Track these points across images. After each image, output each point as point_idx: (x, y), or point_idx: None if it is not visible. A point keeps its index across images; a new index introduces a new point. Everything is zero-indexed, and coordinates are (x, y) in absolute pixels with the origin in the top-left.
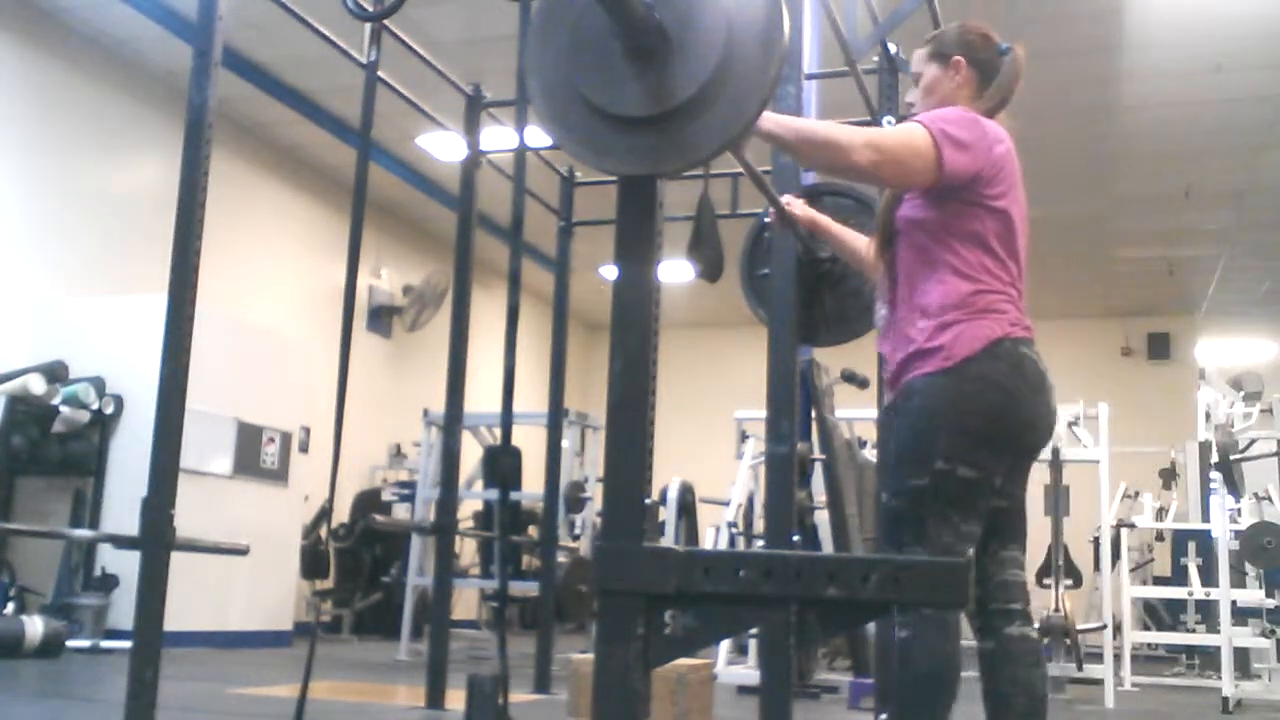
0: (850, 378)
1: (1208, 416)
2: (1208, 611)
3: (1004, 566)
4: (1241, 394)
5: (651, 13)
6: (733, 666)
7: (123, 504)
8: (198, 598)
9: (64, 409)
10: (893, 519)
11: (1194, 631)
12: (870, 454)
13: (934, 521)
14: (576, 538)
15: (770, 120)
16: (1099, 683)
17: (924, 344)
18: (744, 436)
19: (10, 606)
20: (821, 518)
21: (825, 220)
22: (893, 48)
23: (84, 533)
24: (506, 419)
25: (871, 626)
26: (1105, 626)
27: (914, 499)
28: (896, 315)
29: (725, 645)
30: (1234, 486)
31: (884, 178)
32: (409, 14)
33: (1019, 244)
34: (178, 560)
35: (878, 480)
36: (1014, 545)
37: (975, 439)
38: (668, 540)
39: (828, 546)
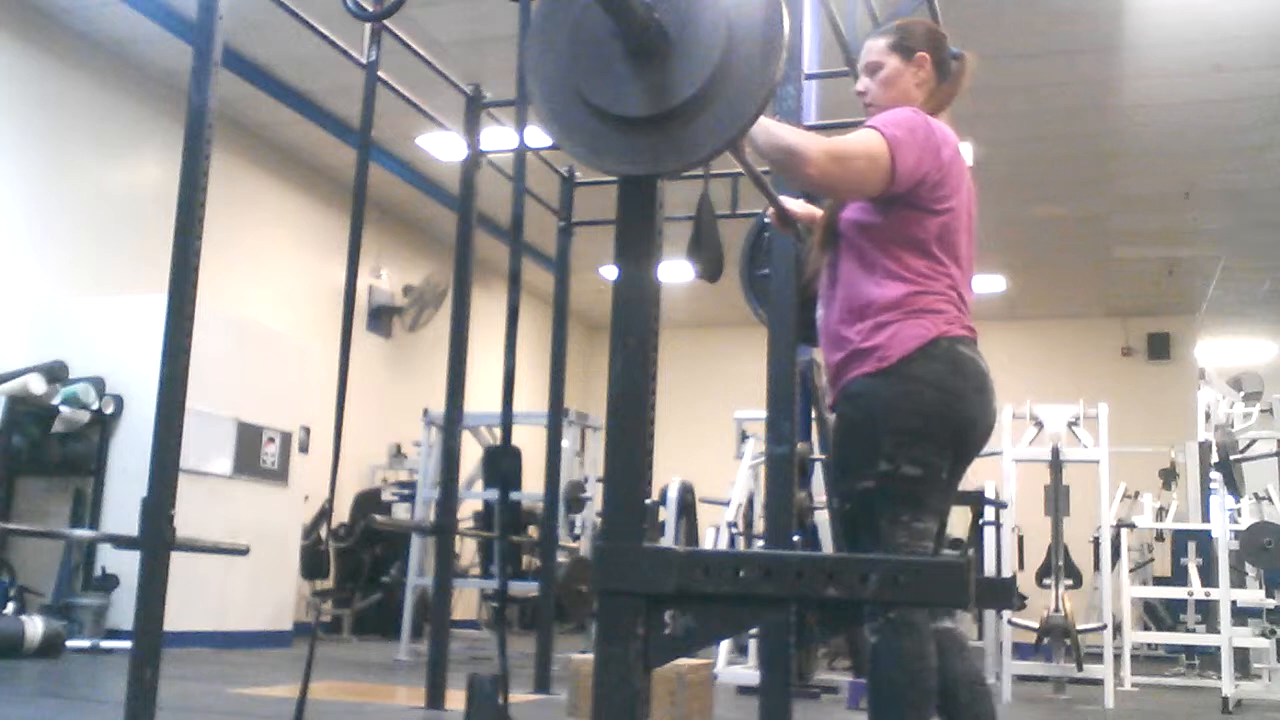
0: None
1: (1208, 416)
2: (1208, 611)
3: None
4: (1241, 394)
5: (651, 13)
6: (733, 666)
7: (123, 504)
8: (198, 598)
9: (64, 409)
10: (847, 523)
11: (1194, 631)
12: None
13: (886, 523)
14: (576, 538)
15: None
16: (1099, 683)
17: (860, 344)
18: (744, 436)
19: (10, 606)
20: (821, 518)
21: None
22: None
23: (84, 533)
24: (506, 419)
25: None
26: (1105, 626)
27: (864, 502)
28: (833, 317)
29: (725, 645)
30: (1234, 486)
31: (837, 191)
32: (409, 14)
33: (961, 245)
34: (178, 560)
35: (827, 484)
36: (942, 544)
37: (915, 436)
38: (668, 540)
39: (828, 546)
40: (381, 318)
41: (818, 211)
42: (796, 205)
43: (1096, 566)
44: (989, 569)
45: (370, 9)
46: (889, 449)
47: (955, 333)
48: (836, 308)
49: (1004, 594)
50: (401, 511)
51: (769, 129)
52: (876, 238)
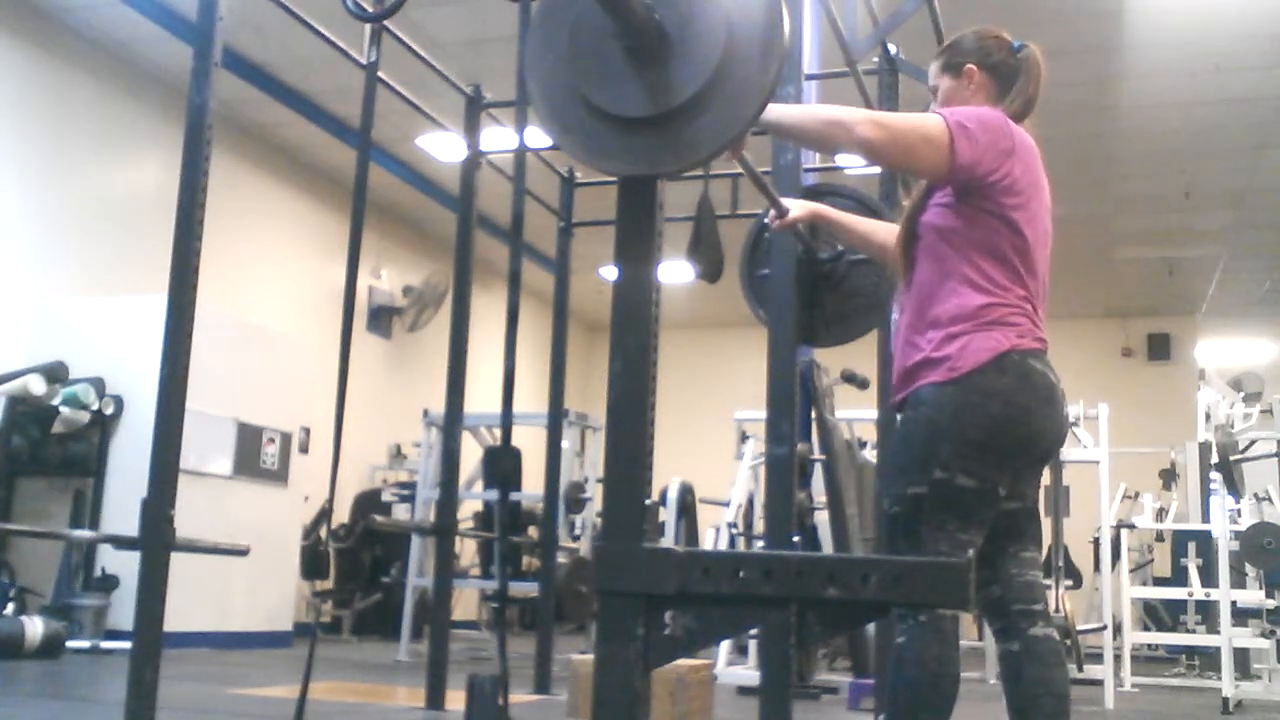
0: (850, 378)
1: (1208, 417)
2: (1208, 612)
3: (1024, 567)
4: (1241, 394)
5: (651, 13)
6: (733, 667)
7: (123, 504)
8: (198, 598)
9: (64, 409)
10: (891, 525)
11: (1194, 632)
12: (870, 454)
13: (929, 530)
14: (576, 538)
15: (772, 109)
16: (1099, 683)
17: (931, 353)
18: (744, 437)
19: (10, 607)
20: (821, 518)
21: (828, 210)
22: (893, 48)
23: (84, 533)
24: (506, 419)
25: (872, 627)
26: (1105, 627)
27: (912, 506)
28: (907, 321)
29: (725, 645)
30: (1234, 487)
31: (886, 157)
32: (409, 14)
33: (1039, 260)
34: (178, 561)
35: (879, 486)
36: (1031, 546)
37: (977, 449)
38: (668, 541)
39: (828, 547)
40: (381, 318)
41: (820, 209)
42: (797, 206)
43: (1096, 567)
44: None
45: (370, 9)
46: (947, 458)
47: (1027, 345)
48: (910, 312)
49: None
50: (401, 512)
51: (809, 108)
52: (955, 242)
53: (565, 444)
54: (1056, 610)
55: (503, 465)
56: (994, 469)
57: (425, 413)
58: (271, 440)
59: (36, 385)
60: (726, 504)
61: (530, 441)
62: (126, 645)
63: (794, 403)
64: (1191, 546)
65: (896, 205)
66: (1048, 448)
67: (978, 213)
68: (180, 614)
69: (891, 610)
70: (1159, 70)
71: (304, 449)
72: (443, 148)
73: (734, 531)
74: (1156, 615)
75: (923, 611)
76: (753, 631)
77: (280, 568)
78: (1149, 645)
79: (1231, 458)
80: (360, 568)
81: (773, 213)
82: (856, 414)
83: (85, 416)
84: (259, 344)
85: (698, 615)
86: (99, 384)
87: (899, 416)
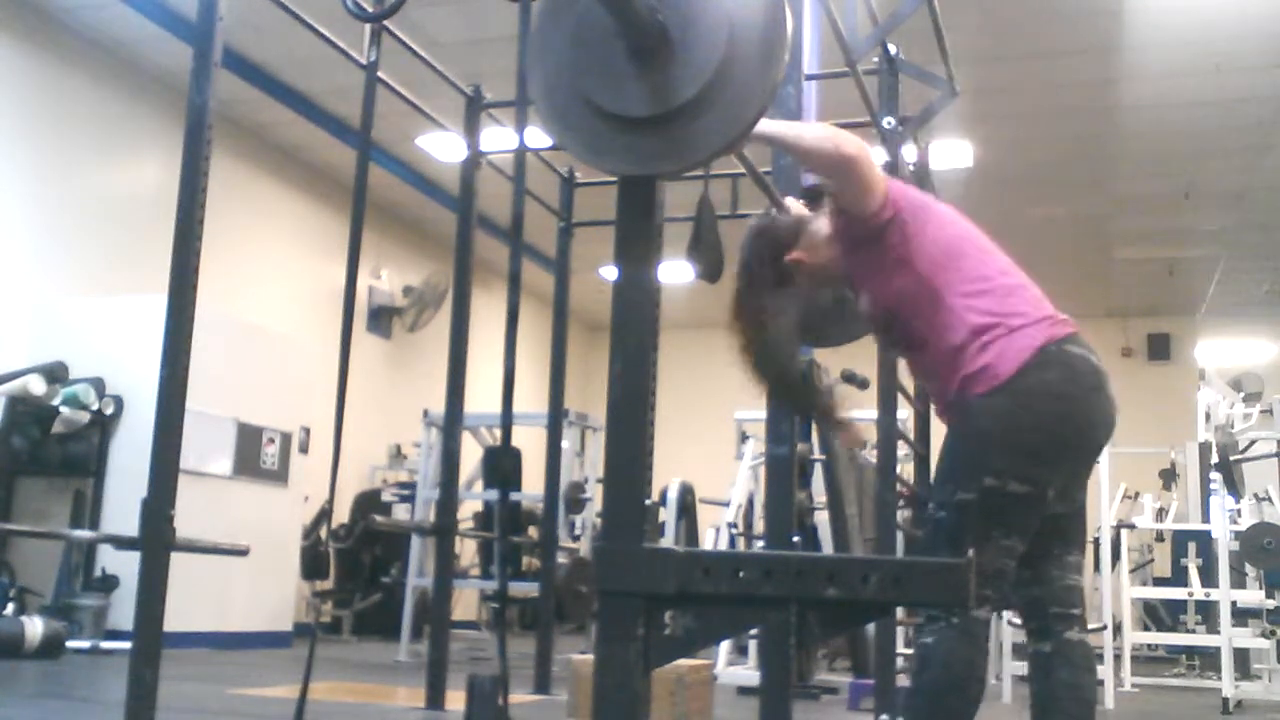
0: (850, 378)
1: (1208, 417)
2: (1208, 612)
3: (1066, 571)
4: (1241, 395)
5: (654, 13)
6: (733, 667)
7: (123, 504)
8: (198, 598)
9: (64, 410)
10: (934, 530)
11: (1194, 632)
12: (870, 455)
13: (974, 537)
14: (576, 538)
15: (766, 123)
16: (1099, 683)
17: (970, 370)
18: (744, 437)
19: (10, 607)
20: (821, 518)
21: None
22: (893, 48)
23: (84, 533)
24: (506, 419)
25: (872, 627)
26: (1105, 627)
27: (959, 513)
28: (938, 368)
29: (725, 646)
30: (1234, 487)
31: (858, 176)
32: (409, 14)
33: (996, 254)
34: (178, 561)
35: (932, 491)
36: (1075, 550)
37: (1032, 455)
38: (668, 541)
39: (828, 547)
40: (381, 318)
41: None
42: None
43: (1096, 567)
44: None
45: (370, 9)
46: (1000, 465)
47: (1061, 333)
48: (935, 362)
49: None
50: (401, 512)
51: (796, 127)
52: (919, 283)
53: (565, 444)
54: None
55: (503, 465)
56: (1048, 472)
57: (425, 413)
58: (271, 440)
59: (36, 385)
60: (726, 504)
61: (530, 441)
62: (126, 645)
63: None
64: (1191, 546)
65: None
66: (1101, 439)
67: (905, 241)
68: (180, 614)
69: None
70: (1159, 70)
71: (304, 449)
72: (443, 148)
73: (734, 531)
74: (1156, 615)
75: (955, 614)
76: (753, 631)
77: (280, 568)
78: (1149, 645)
79: (1231, 458)
80: (360, 568)
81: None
82: (856, 414)
83: (85, 416)
84: (259, 344)
85: (698, 615)
86: (99, 384)
87: (951, 426)
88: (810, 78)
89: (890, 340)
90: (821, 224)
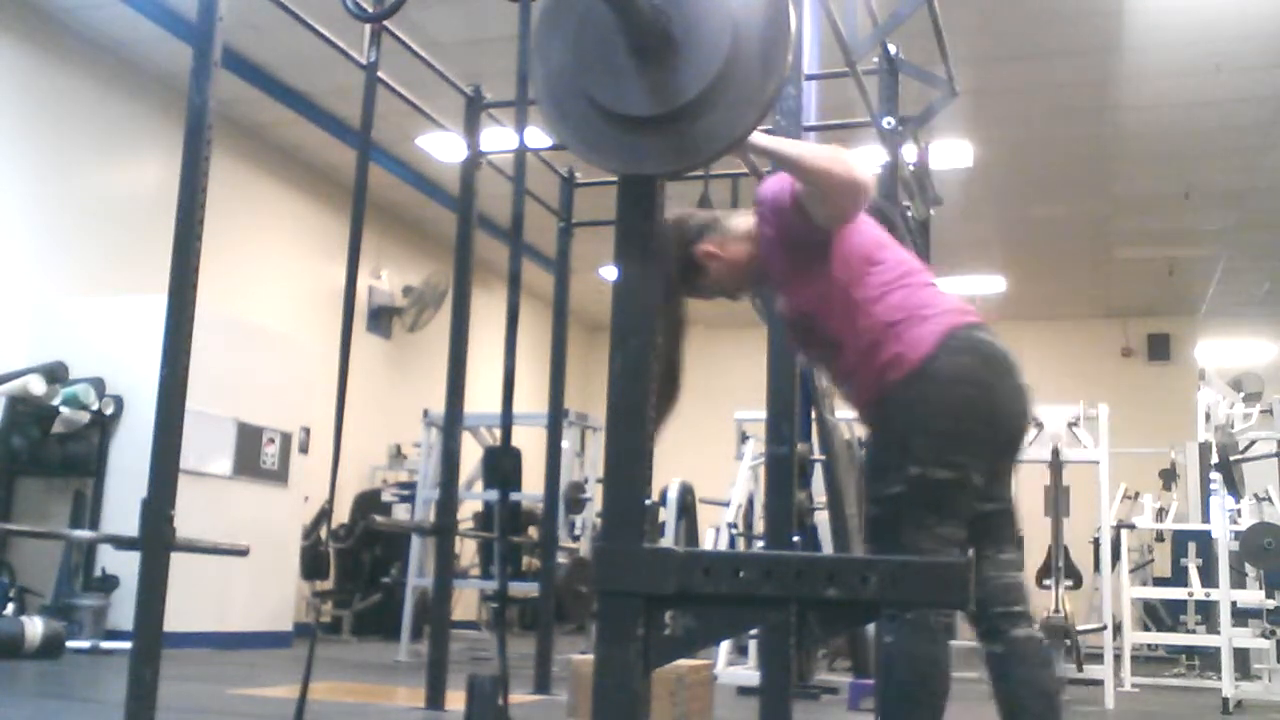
0: None
1: (1208, 417)
2: (1208, 612)
3: (1002, 569)
4: (1241, 395)
5: (657, 12)
6: (733, 667)
7: (123, 504)
8: (198, 598)
9: (64, 410)
10: (873, 527)
11: (1194, 632)
12: None
13: (910, 528)
14: (576, 538)
15: (763, 138)
16: (1099, 683)
17: (883, 359)
18: (744, 437)
19: (10, 607)
20: (821, 518)
21: None
22: (892, 48)
23: (84, 533)
24: (506, 419)
25: (872, 627)
26: (1105, 627)
27: (893, 506)
28: (855, 367)
29: (725, 646)
30: (1234, 487)
31: (862, 201)
32: (409, 14)
33: (899, 251)
34: (178, 561)
35: (864, 489)
36: (1008, 547)
37: (949, 439)
38: (668, 541)
39: (828, 547)
40: (381, 318)
41: None
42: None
43: (1096, 567)
44: None
45: (370, 9)
46: (920, 453)
47: (968, 320)
48: (848, 364)
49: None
50: (401, 512)
51: (795, 143)
52: (842, 294)
53: (565, 444)
54: (1056, 610)
55: (503, 465)
56: (969, 456)
57: (425, 413)
58: (271, 440)
59: (36, 385)
60: (726, 504)
61: (530, 441)
62: (126, 645)
63: (794, 403)
64: (1191, 546)
65: (897, 204)
66: (1017, 427)
67: (833, 245)
68: (180, 614)
69: (882, 610)
70: (1159, 70)
71: (304, 449)
72: (443, 148)
73: (734, 531)
74: (1156, 615)
75: (910, 610)
76: (753, 631)
77: (280, 568)
78: (1149, 645)
79: (1231, 458)
80: (360, 568)
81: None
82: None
83: (85, 416)
84: (259, 344)
85: (698, 615)
86: (99, 384)
87: (870, 429)
88: (810, 78)
89: (807, 341)
90: (738, 221)
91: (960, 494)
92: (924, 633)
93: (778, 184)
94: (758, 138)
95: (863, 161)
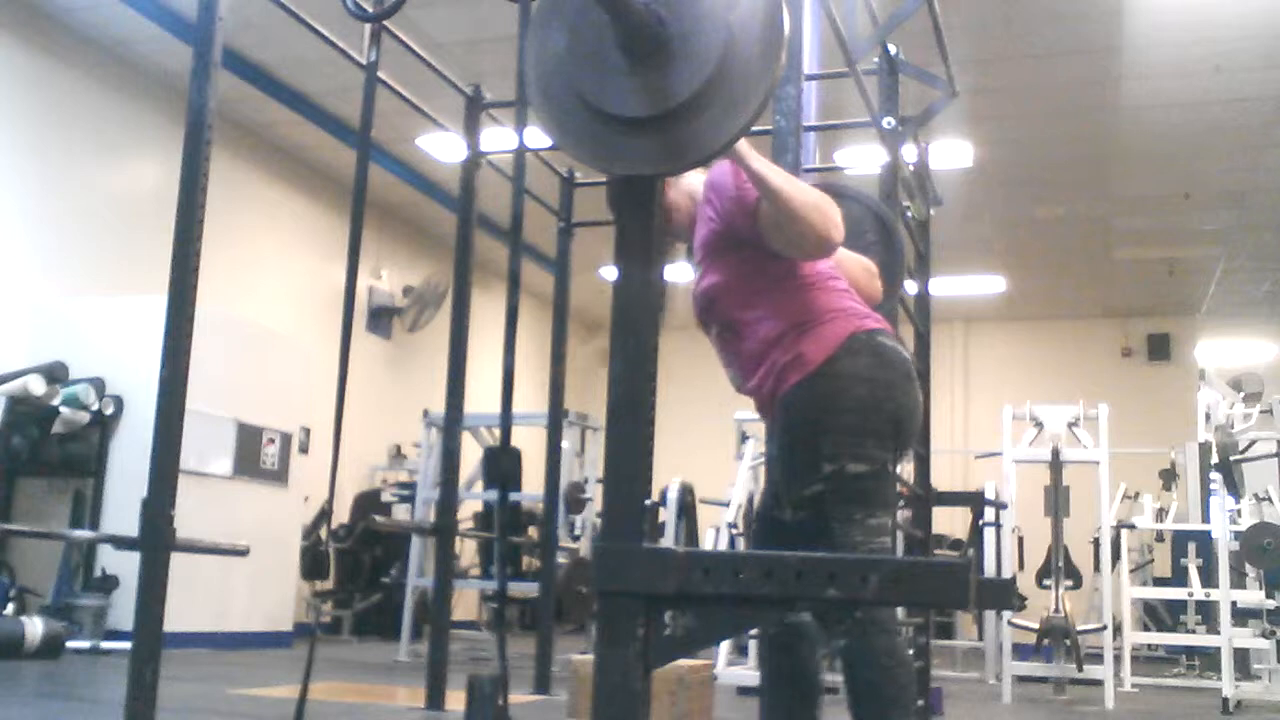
0: None
1: (1208, 417)
2: (1208, 612)
3: None
4: (1241, 395)
5: (651, 13)
6: (733, 667)
7: (123, 504)
8: (198, 598)
9: (64, 410)
10: (800, 529)
11: (1194, 632)
12: None
13: (839, 524)
14: (576, 538)
15: (756, 160)
16: (1099, 683)
17: (784, 359)
18: (744, 437)
19: (10, 607)
20: None
21: None
22: (893, 49)
23: (84, 533)
24: (506, 419)
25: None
26: (1105, 627)
27: (814, 507)
28: (753, 361)
29: (725, 646)
30: (1234, 487)
31: (815, 251)
32: (409, 14)
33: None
34: (178, 561)
35: (771, 498)
36: None
37: (854, 433)
38: (668, 541)
39: None
40: (381, 318)
41: None
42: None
43: (1096, 567)
44: (989, 569)
45: (370, 9)
46: (830, 450)
47: (870, 326)
48: (747, 356)
49: (1004, 595)
50: (401, 512)
51: (784, 176)
52: (752, 287)
53: (565, 444)
54: (1056, 610)
55: (503, 465)
56: (878, 448)
57: (425, 413)
58: (271, 440)
59: (36, 385)
60: (726, 504)
61: (530, 441)
62: (126, 645)
63: None
64: (1191, 547)
65: (897, 205)
66: (915, 423)
67: (754, 243)
68: (180, 614)
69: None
70: (1159, 70)
71: (304, 449)
72: (443, 148)
73: (734, 532)
74: (1156, 615)
75: (858, 610)
76: (753, 631)
77: (280, 568)
78: (1149, 645)
79: (1231, 458)
80: (360, 568)
81: None
82: None
83: (85, 416)
84: (259, 344)
85: (698, 615)
86: (99, 384)
87: (774, 430)
88: (810, 78)
89: (706, 318)
90: (692, 175)
91: (880, 484)
92: (879, 630)
93: (735, 177)
94: (751, 158)
95: (837, 218)
